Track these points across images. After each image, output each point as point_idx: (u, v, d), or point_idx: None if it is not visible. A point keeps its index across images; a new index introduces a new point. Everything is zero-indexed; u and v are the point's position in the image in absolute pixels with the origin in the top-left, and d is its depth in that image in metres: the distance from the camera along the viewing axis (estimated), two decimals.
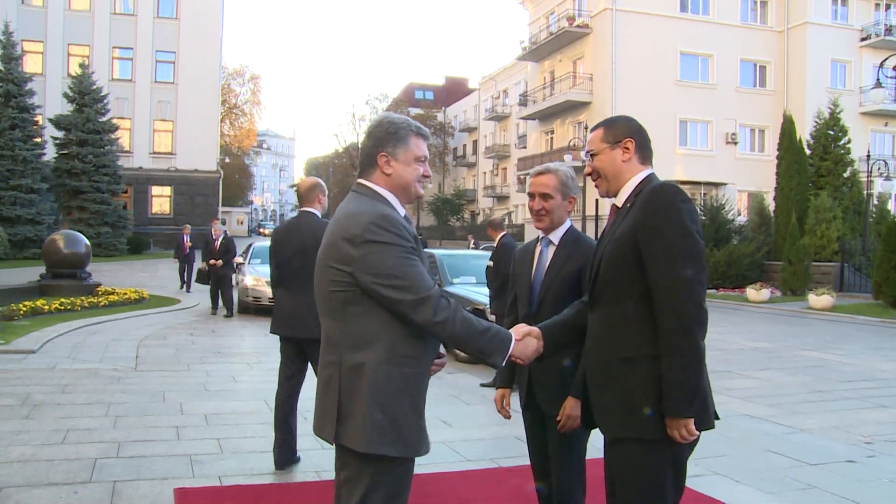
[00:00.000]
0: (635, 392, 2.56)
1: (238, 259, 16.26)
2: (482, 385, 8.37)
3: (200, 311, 16.01)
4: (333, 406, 2.51)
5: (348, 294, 2.49)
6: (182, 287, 20.91)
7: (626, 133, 2.75)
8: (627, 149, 2.73)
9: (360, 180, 2.69)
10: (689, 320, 2.45)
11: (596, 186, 2.83)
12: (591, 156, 2.80)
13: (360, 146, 2.74)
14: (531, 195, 3.44)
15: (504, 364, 2.68)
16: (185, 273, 21.00)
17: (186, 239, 20.87)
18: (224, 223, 21.64)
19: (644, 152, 2.76)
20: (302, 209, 5.32)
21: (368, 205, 2.56)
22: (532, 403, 3.41)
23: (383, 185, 2.65)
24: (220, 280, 15.45)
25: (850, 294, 22.24)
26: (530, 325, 3.33)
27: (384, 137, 2.64)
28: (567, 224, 3.46)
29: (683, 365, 2.46)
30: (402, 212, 2.65)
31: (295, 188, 6.32)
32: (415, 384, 2.55)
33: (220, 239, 15.57)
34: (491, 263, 8.86)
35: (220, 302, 15.46)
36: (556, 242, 3.42)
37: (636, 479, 2.58)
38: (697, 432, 2.52)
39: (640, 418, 2.55)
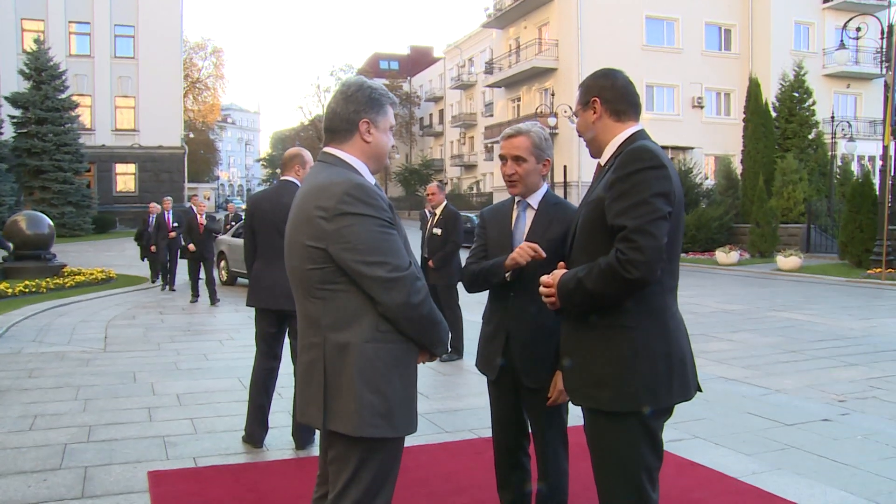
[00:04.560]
0: (598, 363, 2.48)
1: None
2: (441, 360, 7.92)
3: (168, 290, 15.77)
4: (319, 389, 2.39)
5: (326, 272, 2.36)
6: (160, 283, 16.16)
7: (592, 91, 2.65)
8: (594, 109, 2.63)
9: (329, 149, 2.54)
10: (631, 264, 2.30)
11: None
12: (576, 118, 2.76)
13: (331, 110, 2.55)
14: (503, 158, 3.26)
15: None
16: (157, 263, 16.20)
17: (152, 220, 16.05)
18: (188, 200, 20.46)
19: (616, 107, 2.62)
20: (283, 178, 5.21)
21: (340, 175, 2.41)
22: (506, 377, 3.25)
23: (358, 154, 2.51)
24: (203, 261, 13.73)
25: (816, 255, 22.55)
26: (508, 294, 3.24)
27: (367, 103, 2.50)
28: (544, 187, 3.31)
29: (600, 280, 2.37)
30: (373, 181, 2.52)
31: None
32: (403, 361, 2.43)
33: (204, 215, 13.91)
34: (438, 231, 8.31)
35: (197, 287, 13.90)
36: (535, 206, 3.26)
37: (607, 450, 2.52)
38: (554, 296, 2.52)
39: (602, 391, 2.46)
